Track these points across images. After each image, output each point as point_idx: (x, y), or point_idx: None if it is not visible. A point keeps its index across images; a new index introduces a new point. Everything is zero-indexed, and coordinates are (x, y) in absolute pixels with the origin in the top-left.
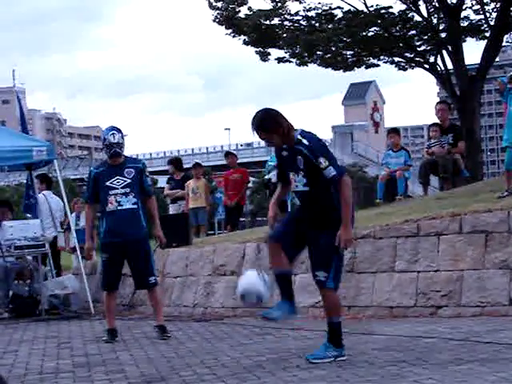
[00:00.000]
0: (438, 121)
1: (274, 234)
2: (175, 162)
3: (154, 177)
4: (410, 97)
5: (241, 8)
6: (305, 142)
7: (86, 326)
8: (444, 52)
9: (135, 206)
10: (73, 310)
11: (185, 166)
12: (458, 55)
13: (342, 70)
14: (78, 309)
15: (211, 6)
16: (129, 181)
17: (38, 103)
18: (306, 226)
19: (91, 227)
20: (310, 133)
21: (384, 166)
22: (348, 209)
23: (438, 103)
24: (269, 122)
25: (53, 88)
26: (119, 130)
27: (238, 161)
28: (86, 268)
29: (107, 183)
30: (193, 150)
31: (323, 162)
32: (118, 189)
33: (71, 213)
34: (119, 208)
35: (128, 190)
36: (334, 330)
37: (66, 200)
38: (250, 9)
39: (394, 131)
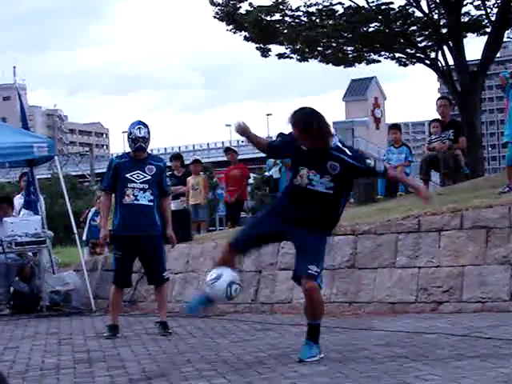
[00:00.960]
0: (439, 117)
1: (235, 241)
2: (179, 157)
3: None
4: (411, 93)
5: (241, 4)
6: (347, 151)
7: (87, 322)
8: (445, 48)
9: (151, 204)
10: (74, 306)
11: (186, 163)
12: (458, 51)
13: (342, 66)
14: (79, 305)
15: (212, 2)
16: (149, 177)
17: (38, 100)
18: (293, 224)
19: (107, 215)
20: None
21: (385, 161)
22: (406, 180)
23: (439, 99)
24: (308, 123)
25: (54, 85)
26: (146, 125)
27: (239, 157)
28: (88, 264)
29: (127, 175)
30: (194, 146)
31: (371, 161)
32: (136, 182)
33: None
34: (135, 202)
35: (146, 186)
36: (316, 330)
37: (66, 196)
38: (250, 4)
39: (396, 127)
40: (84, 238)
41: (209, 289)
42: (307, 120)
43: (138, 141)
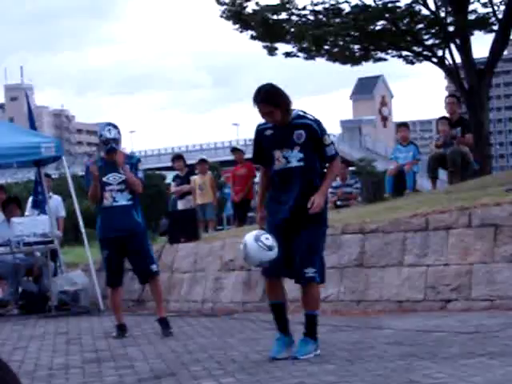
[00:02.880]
0: (447, 114)
1: (269, 270)
2: (181, 157)
3: (163, 173)
4: (419, 91)
5: (248, 3)
6: (310, 117)
7: (96, 322)
8: (452, 45)
9: (130, 202)
10: (82, 306)
11: (193, 162)
12: (465, 49)
13: (349, 65)
14: (88, 305)
15: (218, 1)
16: (124, 177)
17: (46, 100)
18: (287, 223)
19: (97, 213)
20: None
21: (393, 160)
22: (330, 182)
23: (447, 96)
24: (276, 95)
25: (62, 85)
26: (115, 126)
27: (246, 156)
28: (95, 264)
29: (103, 179)
30: (201, 145)
31: (327, 139)
32: (113, 185)
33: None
34: (114, 204)
35: (123, 186)
36: (313, 323)
37: (74, 196)
38: (257, 3)
39: (404, 125)
40: None
41: (246, 257)
42: (275, 93)
43: (109, 142)
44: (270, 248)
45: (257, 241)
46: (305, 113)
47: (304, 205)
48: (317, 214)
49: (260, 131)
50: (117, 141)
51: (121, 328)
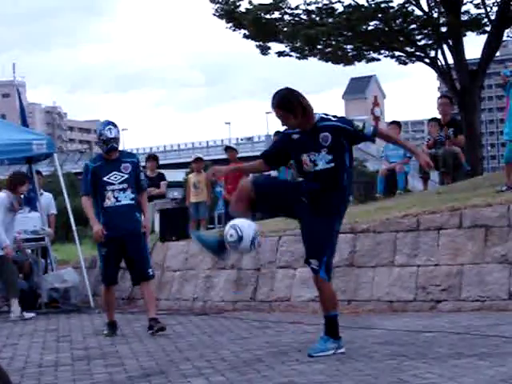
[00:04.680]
0: (439, 115)
1: (257, 183)
2: (155, 158)
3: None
4: (411, 91)
5: (241, 2)
6: (332, 118)
7: (86, 320)
8: (444, 46)
9: (132, 202)
10: (72, 303)
11: (186, 160)
12: (458, 50)
13: (342, 64)
14: (78, 302)
15: (212, 0)
16: (126, 176)
17: (38, 97)
18: (303, 209)
19: (96, 213)
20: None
21: (383, 158)
22: (401, 141)
23: (440, 97)
24: (289, 101)
25: (54, 82)
26: (115, 125)
27: (239, 155)
28: (86, 261)
29: (104, 178)
30: (193, 144)
31: (358, 124)
32: (115, 184)
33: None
34: (117, 204)
35: (126, 185)
36: (330, 323)
37: (65, 194)
38: (250, 2)
39: (395, 123)
40: None
41: (233, 249)
42: (287, 98)
43: (110, 141)
44: (239, 239)
45: (252, 244)
46: (327, 115)
47: (323, 196)
48: (334, 206)
49: (287, 134)
50: (117, 140)
51: (112, 325)
